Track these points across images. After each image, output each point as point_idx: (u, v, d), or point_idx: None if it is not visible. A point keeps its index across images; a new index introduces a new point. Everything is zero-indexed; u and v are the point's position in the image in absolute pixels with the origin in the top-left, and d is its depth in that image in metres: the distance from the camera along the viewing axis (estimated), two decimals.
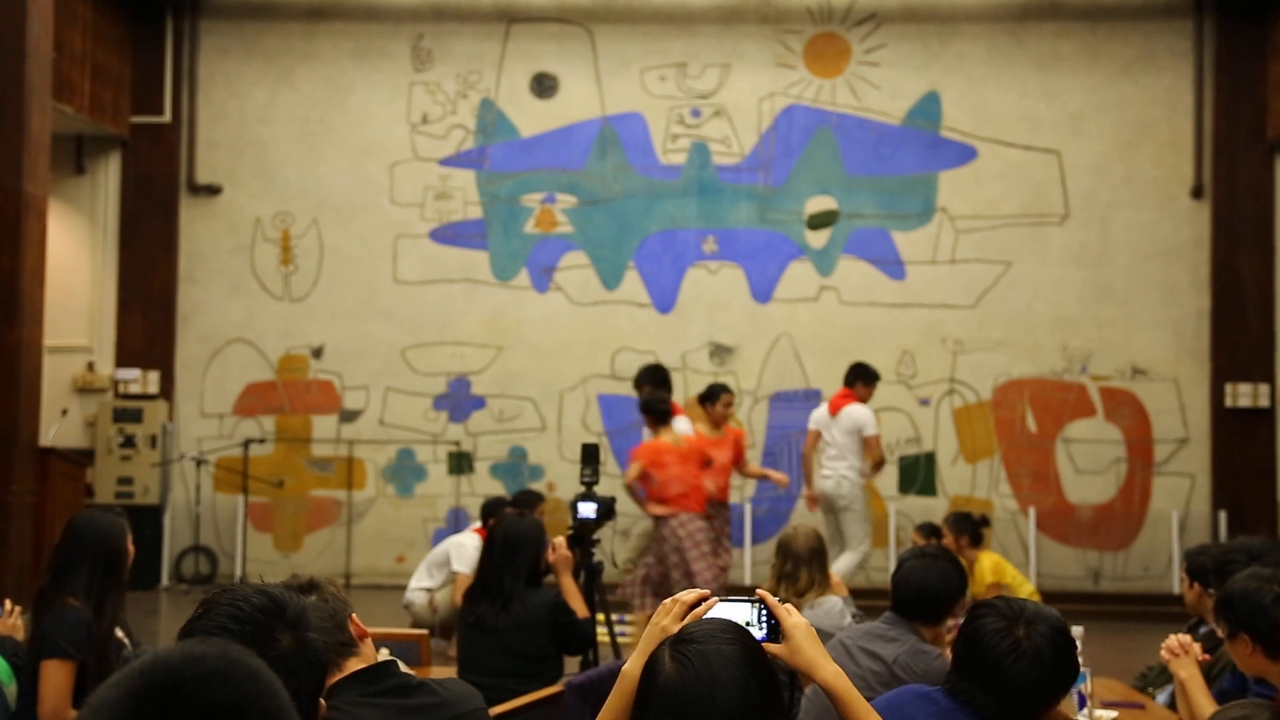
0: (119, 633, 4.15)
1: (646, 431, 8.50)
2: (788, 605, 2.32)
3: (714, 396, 8.93)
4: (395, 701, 2.56)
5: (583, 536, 5.54)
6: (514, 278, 12.25)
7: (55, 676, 3.88)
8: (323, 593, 2.62)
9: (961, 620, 2.71)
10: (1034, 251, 12.02)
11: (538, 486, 11.67)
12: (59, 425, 11.88)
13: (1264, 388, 11.72)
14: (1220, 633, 3.67)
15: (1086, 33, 12.13)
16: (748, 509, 11.70)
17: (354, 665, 2.59)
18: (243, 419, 12.25)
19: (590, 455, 5.77)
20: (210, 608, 2.01)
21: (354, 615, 2.65)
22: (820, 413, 9.55)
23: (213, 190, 12.37)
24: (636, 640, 2.39)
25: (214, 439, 12.19)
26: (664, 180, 12.26)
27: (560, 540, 5.11)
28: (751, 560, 11.66)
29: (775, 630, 2.28)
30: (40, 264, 9.47)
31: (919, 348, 12.03)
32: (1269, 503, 11.62)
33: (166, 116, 12.34)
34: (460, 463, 12.16)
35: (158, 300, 12.24)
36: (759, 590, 2.38)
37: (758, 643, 2.10)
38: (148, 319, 12.23)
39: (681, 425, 8.43)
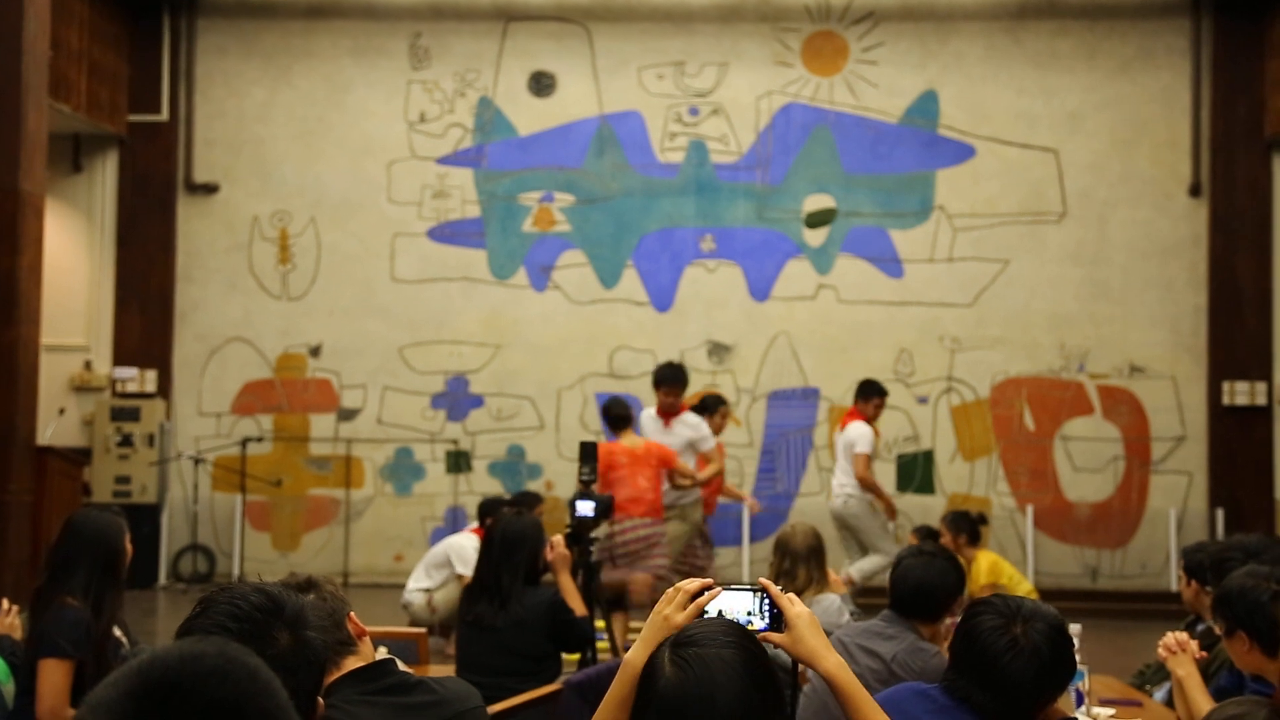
0: (117, 631, 4.15)
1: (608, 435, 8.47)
2: (790, 595, 2.31)
3: (712, 408, 8.93)
4: (393, 700, 2.55)
5: (581, 535, 5.52)
6: (512, 276, 12.24)
7: (53, 675, 3.88)
8: (321, 591, 2.62)
9: (959, 618, 2.71)
10: (1032, 250, 12.02)
11: (535, 485, 11.68)
12: (56, 424, 11.88)
13: (1261, 385, 11.73)
14: (1218, 630, 3.68)
15: (1084, 31, 12.13)
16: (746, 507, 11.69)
17: (352, 664, 2.59)
18: (240, 418, 12.24)
19: (588, 454, 5.75)
20: (208, 606, 2.02)
21: (352, 614, 2.65)
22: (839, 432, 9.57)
23: (210, 189, 12.36)
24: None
25: (212, 438, 12.18)
26: (662, 179, 12.25)
27: (558, 539, 5.11)
28: (749, 558, 11.66)
29: (778, 620, 2.28)
30: (37, 262, 9.45)
31: (917, 346, 12.02)
32: (1266, 500, 11.64)
33: (164, 115, 12.33)
34: (458, 461, 12.15)
35: (155, 299, 12.23)
36: (761, 579, 2.37)
37: (759, 644, 2.09)
38: (145, 317, 12.22)
39: (691, 420, 8.42)
